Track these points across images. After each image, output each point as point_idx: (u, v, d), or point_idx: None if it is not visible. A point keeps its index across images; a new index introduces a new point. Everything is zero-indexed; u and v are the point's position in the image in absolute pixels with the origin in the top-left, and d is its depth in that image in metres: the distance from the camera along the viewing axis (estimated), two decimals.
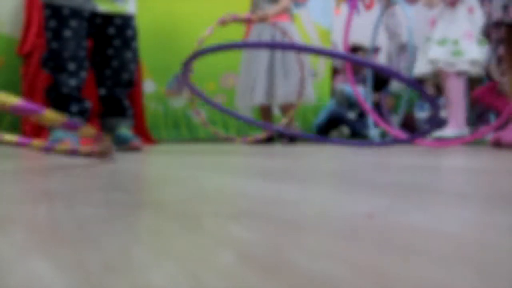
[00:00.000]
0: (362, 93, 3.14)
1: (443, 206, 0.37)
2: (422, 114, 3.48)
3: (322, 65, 3.55)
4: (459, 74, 2.49)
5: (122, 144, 1.55)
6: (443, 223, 0.29)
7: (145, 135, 2.61)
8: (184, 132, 3.14)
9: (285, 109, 2.60)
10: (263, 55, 2.54)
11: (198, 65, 3.29)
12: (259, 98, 2.51)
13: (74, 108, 1.48)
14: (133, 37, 1.61)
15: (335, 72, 3.75)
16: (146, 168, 0.88)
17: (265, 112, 2.64)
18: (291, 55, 2.50)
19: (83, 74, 1.50)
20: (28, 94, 2.31)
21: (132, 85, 1.63)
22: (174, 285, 0.17)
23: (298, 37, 2.63)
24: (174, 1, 3.07)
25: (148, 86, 2.98)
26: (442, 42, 2.49)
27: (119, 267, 0.19)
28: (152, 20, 2.97)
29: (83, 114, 1.52)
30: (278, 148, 1.88)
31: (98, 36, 1.56)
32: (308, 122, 3.50)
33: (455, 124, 2.46)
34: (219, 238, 0.26)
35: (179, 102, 3.14)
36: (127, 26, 1.58)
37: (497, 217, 0.32)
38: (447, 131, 2.44)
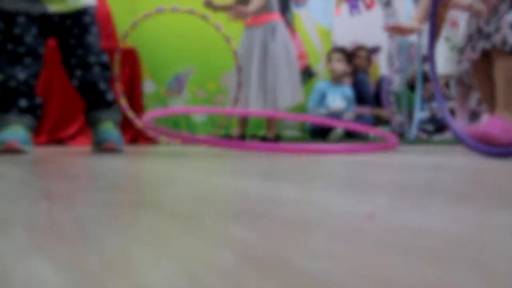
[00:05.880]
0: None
1: (443, 206, 0.37)
2: (422, 114, 3.48)
3: (323, 65, 3.56)
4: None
5: (98, 144, 1.38)
6: (443, 223, 0.29)
7: (145, 135, 2.61)
8: (184, 132, 3.14)
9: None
10: (254, 60, 2.35)
11: (198, 65, 3.30)
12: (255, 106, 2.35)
13: (23, 103, 1.39)
14: (92, 23, 1.52)
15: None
16: (146, 168, 0.88)
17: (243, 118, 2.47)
18: (280, 57, 2.33)
19: (36, 68, 1.41)
20: (43, 92, 2.30)
21: (107, 68, 1.49)
22: (174, 285, 0.17)
23: (285, 34, 2.42)
24: (174, 1, 3.07)
25: (148, 86, 2.98)
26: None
27: (119, 267, 0.19)
28: (152, 19, 2.97)
29: (32, 110, 1.42)
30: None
31: (58, 32, 1.50)
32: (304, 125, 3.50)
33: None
34: (219, 238, 0.26)
35: (179, 102, 3.14)
36: (84, 14, 1.50)
37: (497, 217, 0.32)
38: None
